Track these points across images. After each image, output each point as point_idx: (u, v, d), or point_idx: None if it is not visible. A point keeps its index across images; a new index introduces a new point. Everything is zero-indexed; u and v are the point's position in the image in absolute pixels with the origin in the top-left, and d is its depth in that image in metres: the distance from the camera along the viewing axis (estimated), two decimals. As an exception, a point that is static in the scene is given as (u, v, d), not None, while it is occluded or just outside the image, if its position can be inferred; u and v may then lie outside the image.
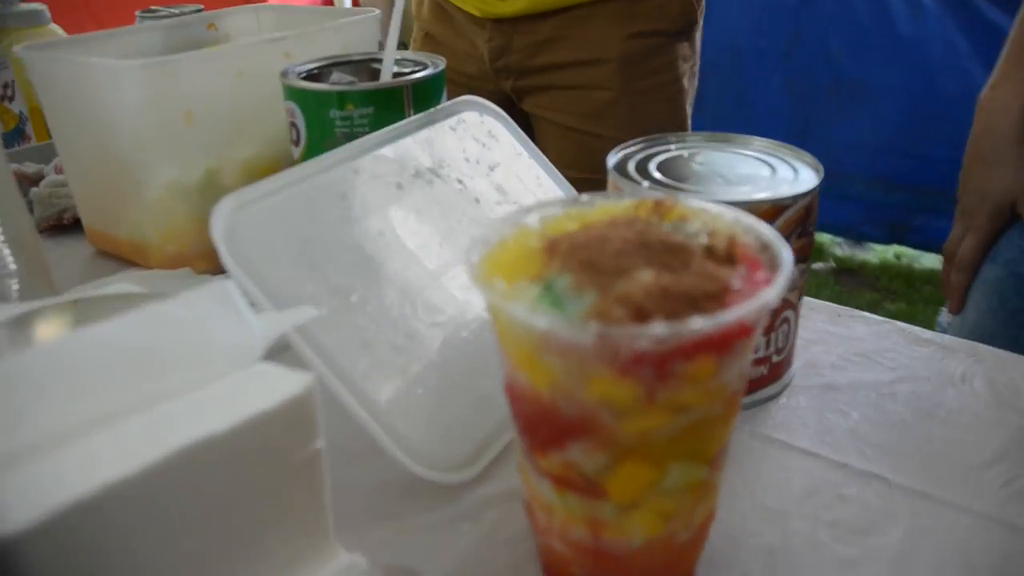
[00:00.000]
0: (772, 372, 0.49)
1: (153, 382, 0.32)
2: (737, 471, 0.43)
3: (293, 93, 0.59)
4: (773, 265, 0.32)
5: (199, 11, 0.87)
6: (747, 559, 0.39)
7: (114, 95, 0.60)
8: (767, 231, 0.33)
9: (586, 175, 0.91)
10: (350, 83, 0.61)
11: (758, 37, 2.42)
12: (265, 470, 0.32)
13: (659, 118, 1.03)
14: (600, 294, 0.29)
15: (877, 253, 2.50)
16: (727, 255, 0.32)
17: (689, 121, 1.07)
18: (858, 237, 2.55)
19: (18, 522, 0.24)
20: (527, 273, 0.31)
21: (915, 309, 2.16)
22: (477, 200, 0.55)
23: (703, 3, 1.04)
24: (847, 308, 0.59)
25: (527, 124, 1.09)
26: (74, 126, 0.66)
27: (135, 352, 0.32)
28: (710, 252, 0.32)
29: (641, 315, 0.28)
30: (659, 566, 0.35)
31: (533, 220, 0.35)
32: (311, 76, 0.63)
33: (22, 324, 0.41)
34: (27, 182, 0.77)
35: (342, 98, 0.57)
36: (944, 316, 0.84)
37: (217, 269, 0.66)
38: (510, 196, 0.57)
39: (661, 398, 0.29)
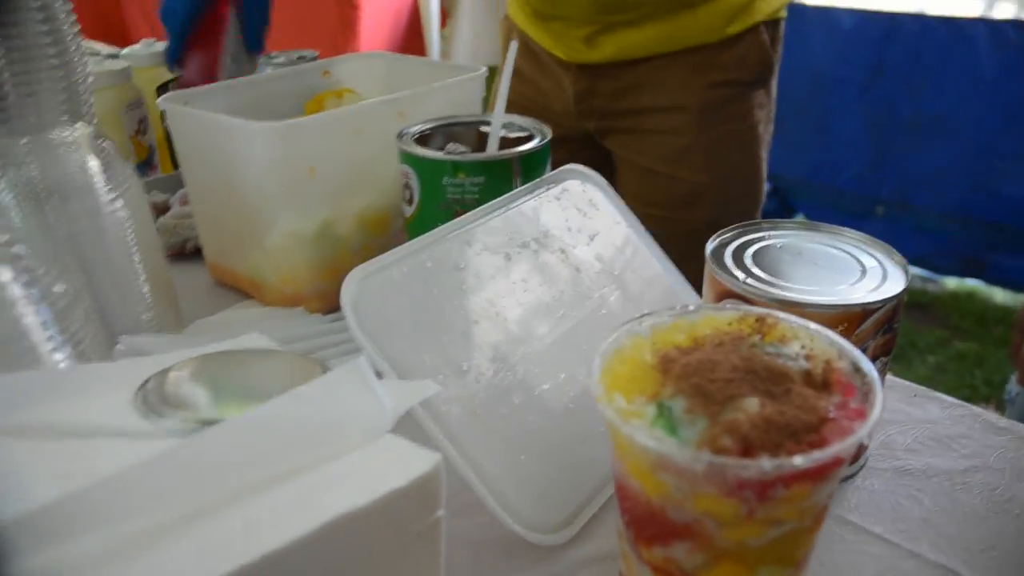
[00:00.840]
0: (849, 456, 0.52)
1: (299, 456, 0.37)
2: (814, 554, 0.47)
3: (409, 159, 0.64)
4: (865, 393, 0.35)
5: (315, 58, 0.93)
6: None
7: (247, 151, 0.66)
8: (860, 357, 0.37)
9: (664, 214, 0.96)
10: (463, 153, 0.66)
11: (840, 66, 2.41)
12: (392, 537, 0.37)
13: (734, 164, 1.06)
14: (710, 422, 0.33)
15: (949, 289, 2.47)
16: (823, 381, 0.35)
17: (764, 167, 1.09)
18: (932, 269, 2.53)
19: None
20: (643, 391, 0.35)
21: (986, 351, 2.13)
22: (578, 269, 0.59)
23: (780, 52, 1.06)
24: (923, 388, 0.62)
25: (608, 161, 1.13)
26: (206, 173, 0.73)
27: (285, 430, 0.37)
28: (808, 378, 0.36)
29: (746, 445, 0.31)
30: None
31: (645, 329, 0.39)
32: (423, 137, 0.68)
33: (164, 383, 0.44)
34: (154, 211, 0.84)
35: (456, 167, 0.62)
36: (1013, 385, 0.85)
37: (327, 309, 0.71)
38: (607, 264, 0.61)
39: (760, 514, 0.32)
